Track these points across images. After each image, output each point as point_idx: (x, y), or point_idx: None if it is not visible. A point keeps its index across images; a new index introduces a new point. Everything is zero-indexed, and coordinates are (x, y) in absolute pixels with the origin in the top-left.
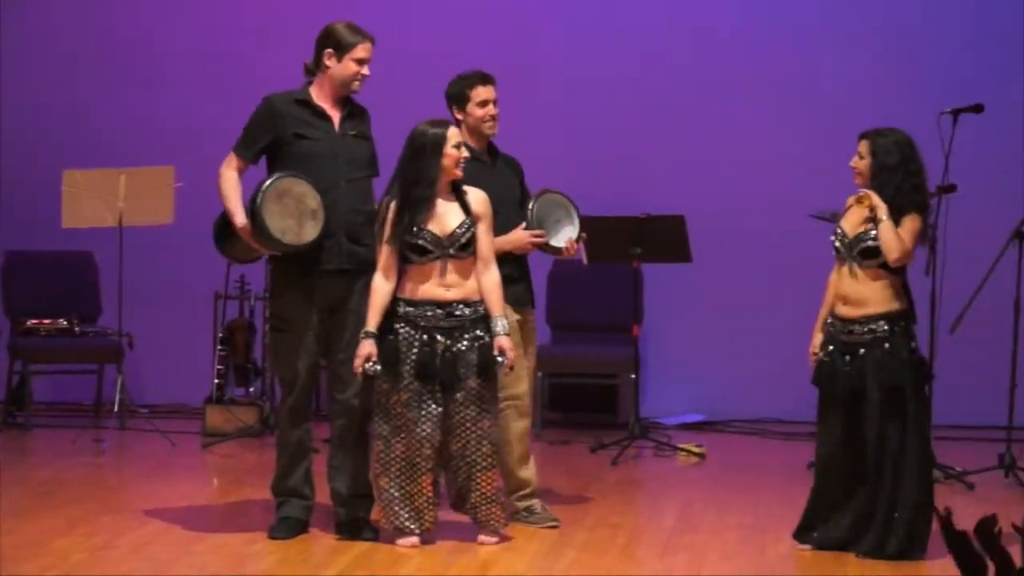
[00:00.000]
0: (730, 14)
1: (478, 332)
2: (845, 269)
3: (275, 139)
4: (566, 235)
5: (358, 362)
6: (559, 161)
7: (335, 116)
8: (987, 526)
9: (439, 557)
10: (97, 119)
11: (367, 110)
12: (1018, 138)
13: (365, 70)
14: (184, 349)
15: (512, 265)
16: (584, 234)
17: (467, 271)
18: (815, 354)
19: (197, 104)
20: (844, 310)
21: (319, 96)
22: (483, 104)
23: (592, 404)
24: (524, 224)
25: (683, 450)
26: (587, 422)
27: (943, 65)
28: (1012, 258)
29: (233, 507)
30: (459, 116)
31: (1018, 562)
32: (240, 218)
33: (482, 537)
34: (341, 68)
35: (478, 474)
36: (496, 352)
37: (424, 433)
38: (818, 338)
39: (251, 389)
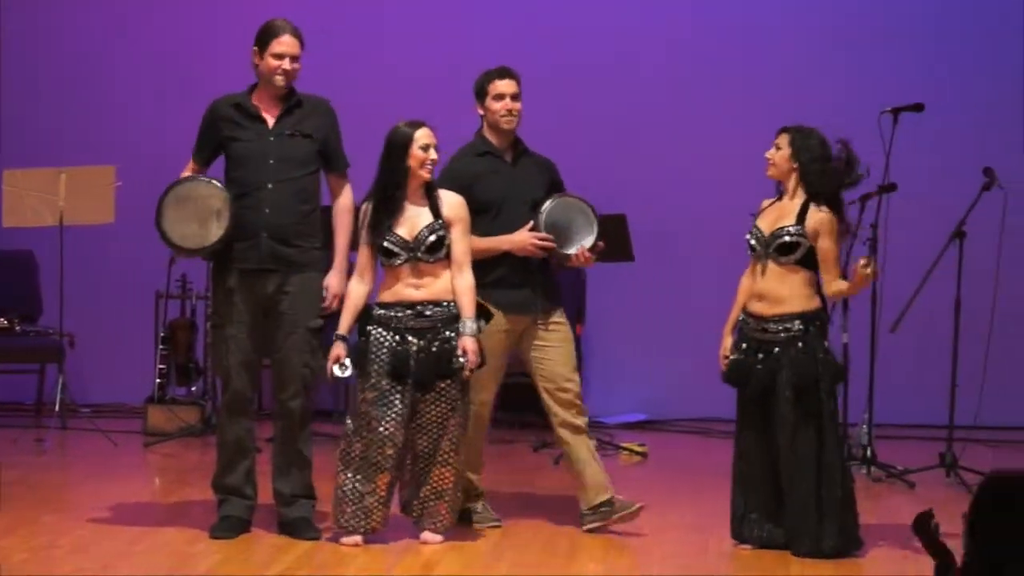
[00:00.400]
0: (688, 14)
1: (448, 333)
2: (760, 267)
3: (219, 143)
4: (579, 242)
5: (328, 364)
6: None
7: (271, 115)
8: (924, 521)
9: (382, 556)
10: (38, 118)
11: (324, 106)
12: (958, 137)
13: (286, 64)
14: (125, 349)
15: (509, 268)
16: (601, 243)
17: (438, 273)
18: (726, 357)
19: (139, 104)
20: (759, 307)
21: (258, 96)
22: (499, 98)
23: (535, 403)
24: (531, 225)
25: (625, 449)
26: (530, 422)
27: (884, 64)
28: (952, 257)
29: (175, 507)
30: (481, 111)
31: (958, 559)
32: None
33: (425, 536)
34: (263, 65)
35: (433, 469)
36: (459, 352)
37: (386, 432)
38: (729, 341)
39: (193, 388)
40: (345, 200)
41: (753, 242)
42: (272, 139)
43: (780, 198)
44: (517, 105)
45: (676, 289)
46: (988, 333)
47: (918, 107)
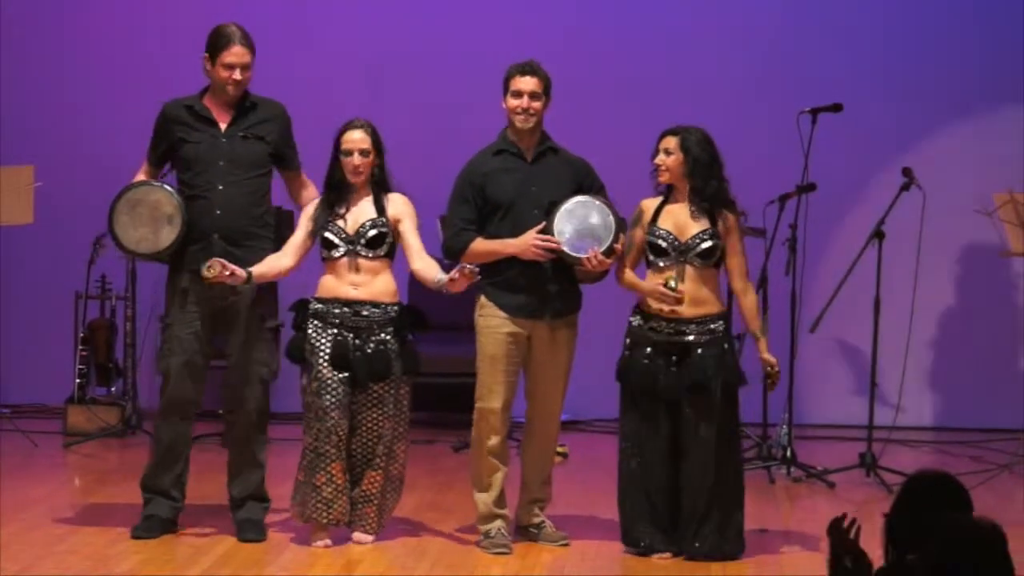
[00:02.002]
0: (600, 14)
1: (383, 335)
2: (675, 270)
3: (169, 145)
4: (591, 244)
5: (213, 260)
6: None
7: (223, 118)
8: (839, 525)
9: (304, 555)
10: None
11: (278, 110)
12: (877, 138)
13: (237, 75)
14: (45, 349)
15: (519, 270)
16: (618, 246)
17: (377, 272)
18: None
19: (61, 103)
20: (677, 309)
21: (210, 99)
22: (516, 95)
23: (455, 403)
24: (540, 227)
25: None
26: (450, 421)
27: (802, 64)
28: (872, 257)
29: (96, 507)
30: (505, 106)
31: (876, 561)
32: None
33: (356, 536)
34: (214, 73)
35: (366, 472)
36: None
37: (331, 423)
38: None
39: (113, 389)
40: (311, 192)
41: (663, 244)
42: (224, 141)
43: (666, 198)
44: (535, 104)
45: (593, 288)
46: (907, 333)
47: (836, 107)
